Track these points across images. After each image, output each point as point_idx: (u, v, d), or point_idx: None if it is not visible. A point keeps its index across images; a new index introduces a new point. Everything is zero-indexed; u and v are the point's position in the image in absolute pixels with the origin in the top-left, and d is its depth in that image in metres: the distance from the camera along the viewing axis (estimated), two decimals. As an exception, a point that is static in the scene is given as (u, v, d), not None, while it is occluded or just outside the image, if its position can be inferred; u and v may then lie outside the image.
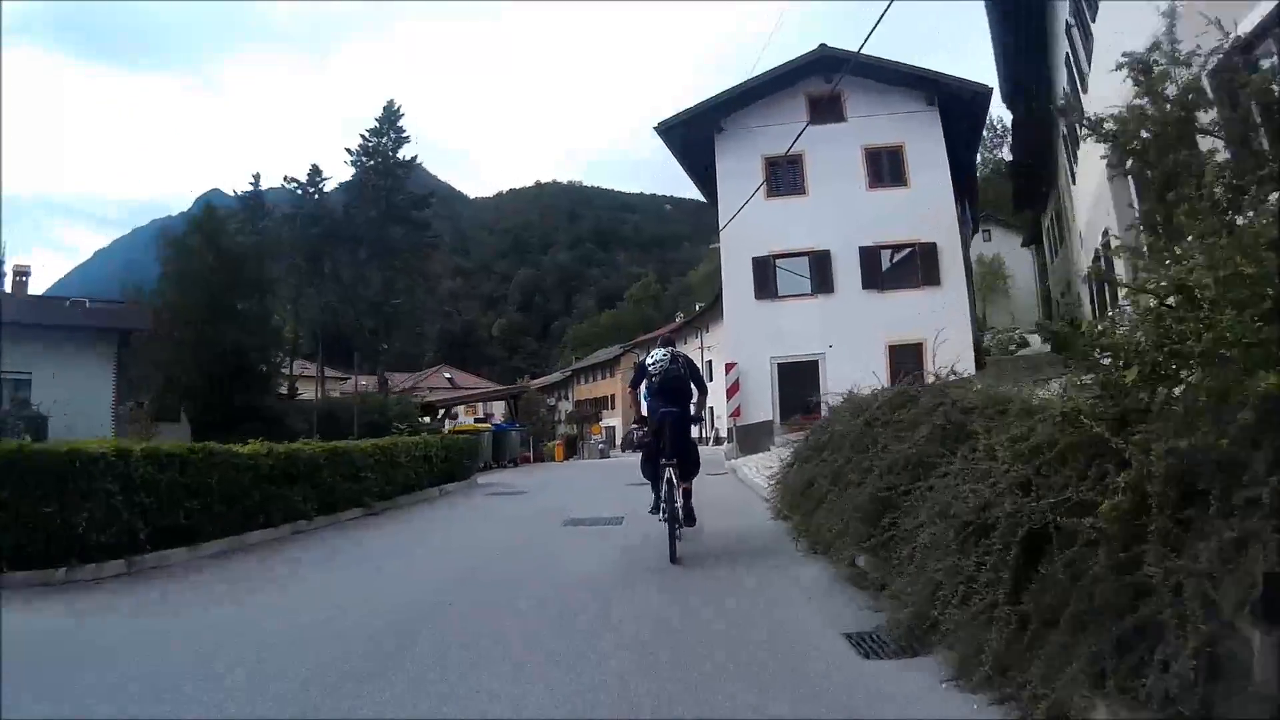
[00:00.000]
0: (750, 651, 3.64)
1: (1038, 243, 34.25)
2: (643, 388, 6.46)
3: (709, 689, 3.14)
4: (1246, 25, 4.93)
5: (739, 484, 13.66)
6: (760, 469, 14.67)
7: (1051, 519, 2.81)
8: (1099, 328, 3.90)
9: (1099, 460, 2.84)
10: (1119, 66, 5.06)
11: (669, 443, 6.07)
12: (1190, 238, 3.20)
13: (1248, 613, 2.08)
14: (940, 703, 2.91)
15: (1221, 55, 4.37)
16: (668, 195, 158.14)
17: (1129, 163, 5.28)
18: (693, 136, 20.16)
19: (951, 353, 15.94)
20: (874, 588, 4.55)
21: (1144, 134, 4.75)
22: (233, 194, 24.02)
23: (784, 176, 19.73)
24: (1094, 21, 10.93)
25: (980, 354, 19.24)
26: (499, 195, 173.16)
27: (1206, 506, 2.31)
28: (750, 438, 17.53)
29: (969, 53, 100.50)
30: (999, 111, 30.00)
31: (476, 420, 65.53)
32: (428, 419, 23.32)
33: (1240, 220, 3.23)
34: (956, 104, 19.74)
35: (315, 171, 23.98)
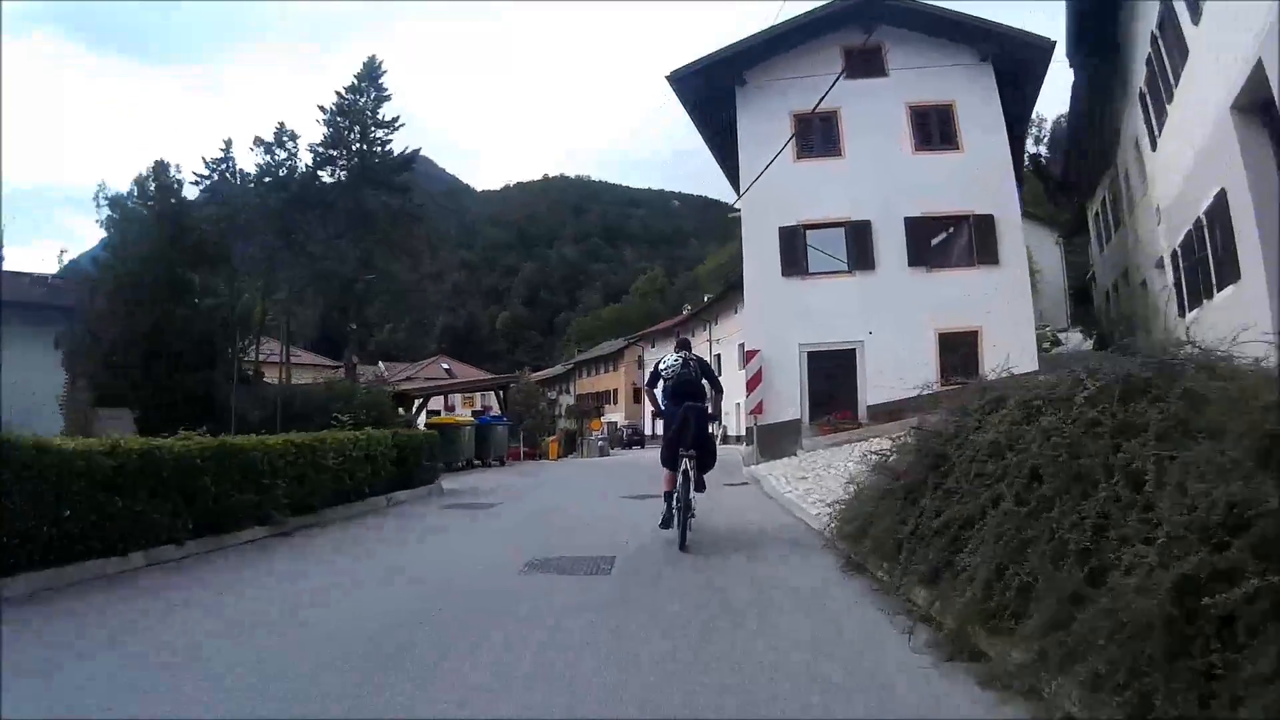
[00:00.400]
0: None
1: (1078, 234, 31.18)
2: (658, 389, 6.56)
3: None
4: None
5: (764, 498, 10.59)
6: (790, 479, 11.60)
7: None
8: None
9: None
10: None
11: (692, 434, 6.11)
12: None
13: None
14: None
15: None
16: (676, 191, 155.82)
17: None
18: (710, 89, 17.05)
19: (1010, 343, 12.97)
20: None
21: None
22: (203, 161, 20.84)
23: (816, 136, 16.64)
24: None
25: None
26: (505, 188, 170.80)
27: None
28: (773, 439, 14.50)
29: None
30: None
31: (474, 413, 62.85)
32: (401, 410, 20.29)
33: None
34: (1009, 62, 16.66)
35: (282, 130, 20.88)
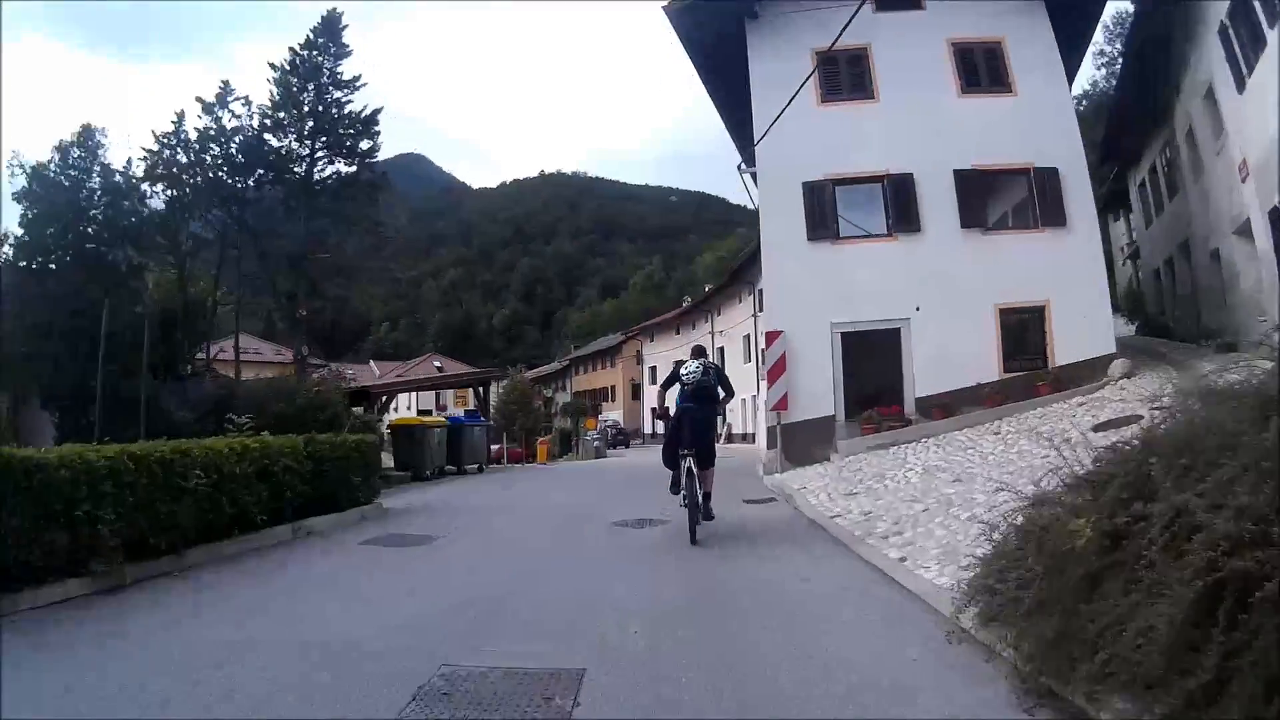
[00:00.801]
0: None
1: (1110, 208, 28.26)
2: (673, 391, 6.84)
3: None
4: None
5: (807, 526, 7.59)
6: (834, 495, 8.71)
7: None
8: None
9: None
10: None
11: (688, 435, 6.41)
12: None
13: None
14: None
15: None
16: (673, 187, 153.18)
17: None
18: (715, 22, 14.08)
19: (1082, 321, 10.13)
20: None
21: None
22: (152, 135, 17.88)
23: (844, 77, 13.71)
24: None
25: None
26: (502, 186, 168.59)
27: None
28: (801, 441, 11.61)
29: None
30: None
31: (467, 411, 59.89)
32: (361, 410, 17.37)
33: None
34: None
35: (227, 89, 17.92)
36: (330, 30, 19.37)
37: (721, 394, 6.81)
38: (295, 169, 18.91)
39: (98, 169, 17.13)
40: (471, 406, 56.63)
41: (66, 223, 16.90)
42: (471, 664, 3.40)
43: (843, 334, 12.06)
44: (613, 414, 51.01)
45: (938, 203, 12.73)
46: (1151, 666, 2.09)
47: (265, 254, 17.82)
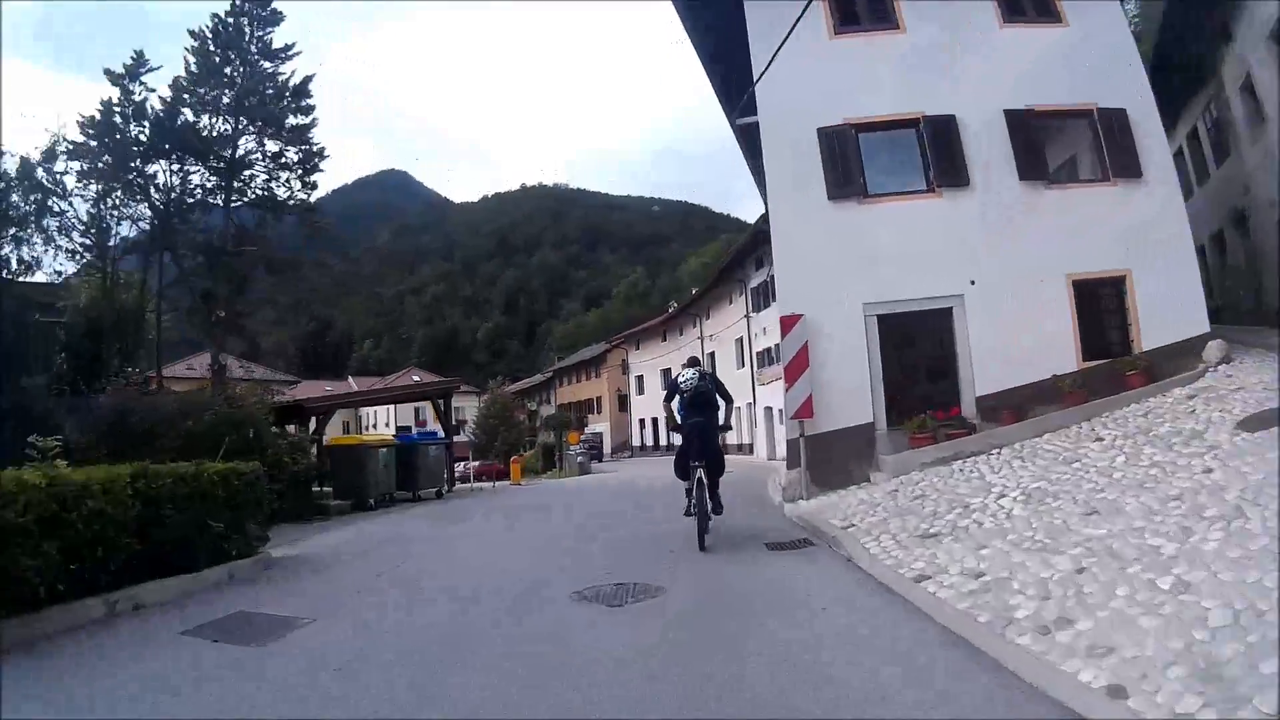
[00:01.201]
0: None
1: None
2: (675, 402, 6.85)
3: None
4: None
5: (887, 604, 4.43)
6: (903, 541, 5.79)
7: None
8: None
9: None
10: None
11: (697, 448, 6.50)
12: None
13: None
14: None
15: None
16: (655, 197, 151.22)
17: None
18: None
19: (1167, 294, 7.75)
20: None
21: None
22: (78, 123, 14.86)
23: (861, 3, 10.97)
24: None
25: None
26: (484, 199, 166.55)
27: None
28: (834, 457, 8.70)
29: None
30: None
31: (420, 430, 56.59)
32: (293, 429, 14.37)
33: None
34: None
35: (140, 60, 14.94)
36: (256, -8, 16.48)
37: (721, 402, 6.81)
38: (218, 149, 15.99)
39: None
40: (427, 424, 53.64)
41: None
42: None
43: (879, 317, 9.19)
44: (599, 426, 48.00)
45: (988, 151, 9.95)
46: None
47: (175, 246, 14.82)
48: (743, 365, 30.06)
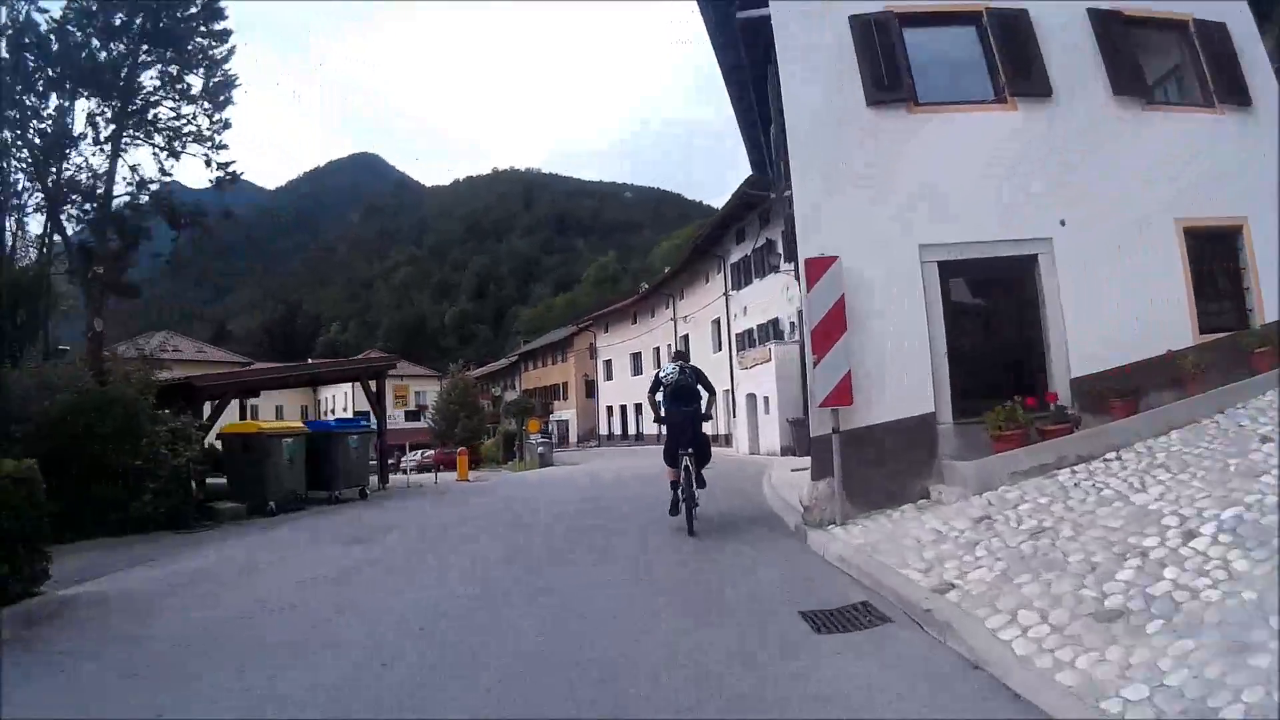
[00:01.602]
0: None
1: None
2: (659, 395, 6.92)
3: None
4: None
5: None
6: (1064, 620, 3.12)
7: None
8: None
9: None
10: None
11: (688, 437, 6.60)
12: None
13: None
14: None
15: None
16: (627, 183, 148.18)
17: None
18: None
19: None
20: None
21: None
22: None
23: None
24: None
25: None
26: (455, 184, 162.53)
27: None
28: (873, 461, 5.99)
29: None
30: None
31: (407, 413, 53.13)
32: (186, 416, 11.30)
33: None
34: None
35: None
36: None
37: (703, 393, 6.85)
38: (108, 76, 12.78)
39: None
40: (413, 407, 50.05)
41: None
42: None
43: (939, 265, 6.51)
44: (565, 413, 45.10)
45: (1071, 56, 7.28)
46: None
47: (58, 196, 11.62)
48: (720, 348, 27.43)
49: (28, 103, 12.72)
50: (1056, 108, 7.11)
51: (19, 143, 13.02)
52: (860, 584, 4.43)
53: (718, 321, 27.52)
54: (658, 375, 7.03)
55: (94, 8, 13.01)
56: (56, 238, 13.56)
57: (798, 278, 6.56)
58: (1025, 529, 4.48)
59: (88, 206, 12.70)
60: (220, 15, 13.69)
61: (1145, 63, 8.52)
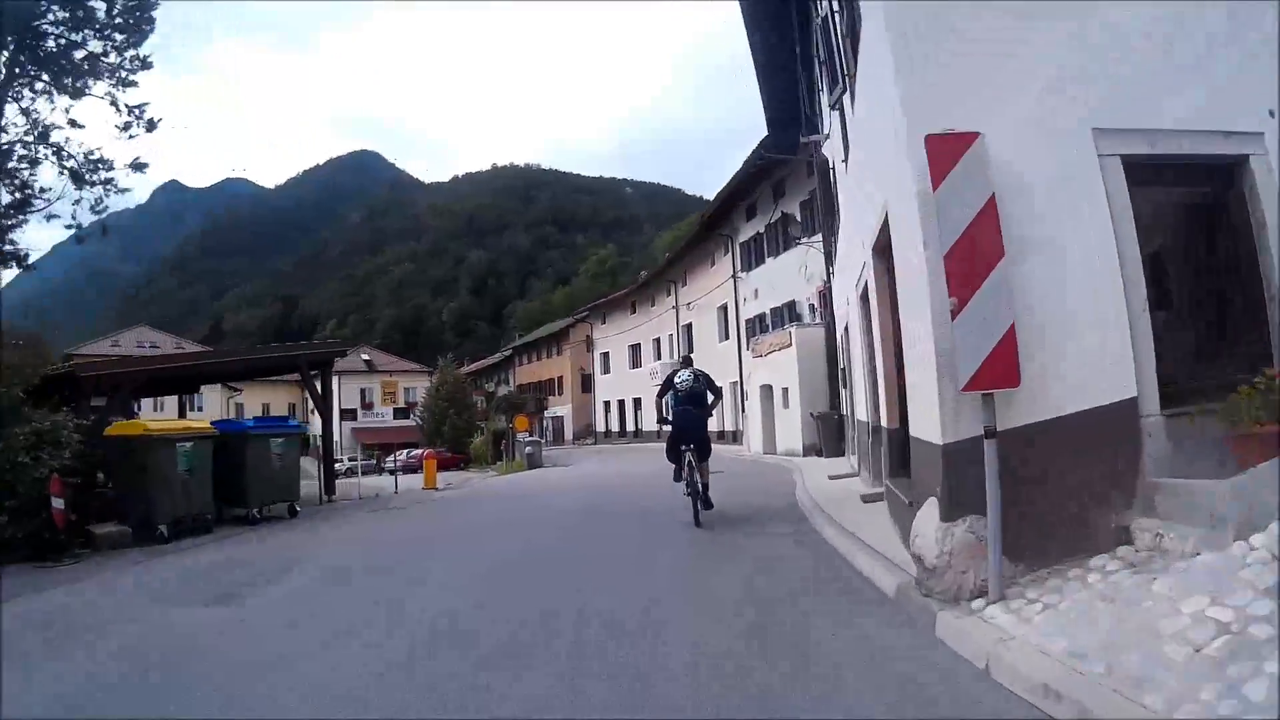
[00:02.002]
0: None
1: None
2: (668, 397, 7.24)
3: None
4: None
5: None
6: None
7: None
8: None
9: None
10: None
11: (690, 434, 6.89)
12: None
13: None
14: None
15: None
16: (627, 179, 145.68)
17: None
18: None
19: None
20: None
21: None
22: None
23: None
24: None
25: None
26: (454, 180, 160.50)
27: None
28: (1034, 479, 3.39)
29: None
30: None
31: (396, 410, 50.30)
32: (71, 410, 8.66)
33: None
34: None
35: None
36: None
37: (710, 397, 7.17)
38: None
39: None
40: (401, 404, 47.20)
41: None
42: None
43: (1125, 164, 3.81)
44: (560, 409, 42.41)
45: None
46: None
47: None
48: (727, 337, 24.74)
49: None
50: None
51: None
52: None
53: (724, 308, 24.82)
54: (670, 379, 7.31)
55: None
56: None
57: (926, 166, 3.67)
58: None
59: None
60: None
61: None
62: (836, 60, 6.73)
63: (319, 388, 13.01)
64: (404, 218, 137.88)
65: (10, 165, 11.31)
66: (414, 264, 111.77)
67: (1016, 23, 3.87)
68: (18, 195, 11.38)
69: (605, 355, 37.58)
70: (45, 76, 11.37)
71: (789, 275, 19.00)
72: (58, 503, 8.00)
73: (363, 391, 47.00)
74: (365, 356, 50.72)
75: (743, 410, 20.51)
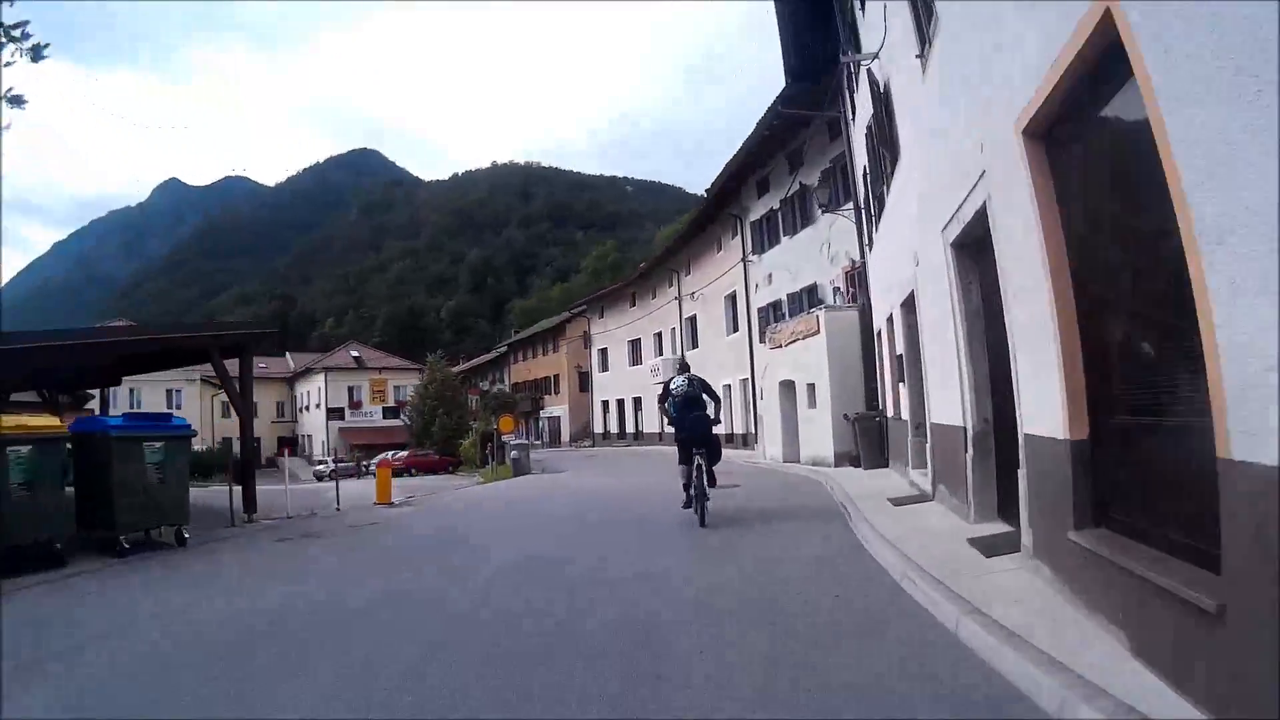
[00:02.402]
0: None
1: None
2: (668, 402, 7.40)
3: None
4: None
5: None
6: None
7: None
8: None
9: None
10: None
11: (700, 438, 7.06)
12: None
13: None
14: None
15: None
16: (627, 176, 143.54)
17: None
18: None
19: None
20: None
21: None
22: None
23: None
24: None
25: None
26: (454, 177, 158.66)
27: None
28: None
29: None
30: None
31: (385, 410, 47.64)
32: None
33: None
34: None
35: None
36: None
37: (709, 401, 7.32)
38: None
39: None
40: (392, 403, 44.59)
41: None
42: None
43: None
44: (556, 409, 39.88)
45: None
46: None
47: None
48: (735, 329, 22.22)
49: None
50: None
51: None
52: None
53: (733, 296, 22.29)
54: (668, 385, 7.50)
55: None
56: None
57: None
58: None
59: None
60: None
61: None
62: None
63: (237, 379, 10.44)
64: (403, 215, 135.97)
65: None
66: (412, 261, 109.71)
67: None
68: None
69: (603, 352, 35.04)
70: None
71: (809, 255, 16.52)
72: None
73: (350, 390, 44.47)
74: (354, 353, 48.23)
75: (753, 412, 18.01)
